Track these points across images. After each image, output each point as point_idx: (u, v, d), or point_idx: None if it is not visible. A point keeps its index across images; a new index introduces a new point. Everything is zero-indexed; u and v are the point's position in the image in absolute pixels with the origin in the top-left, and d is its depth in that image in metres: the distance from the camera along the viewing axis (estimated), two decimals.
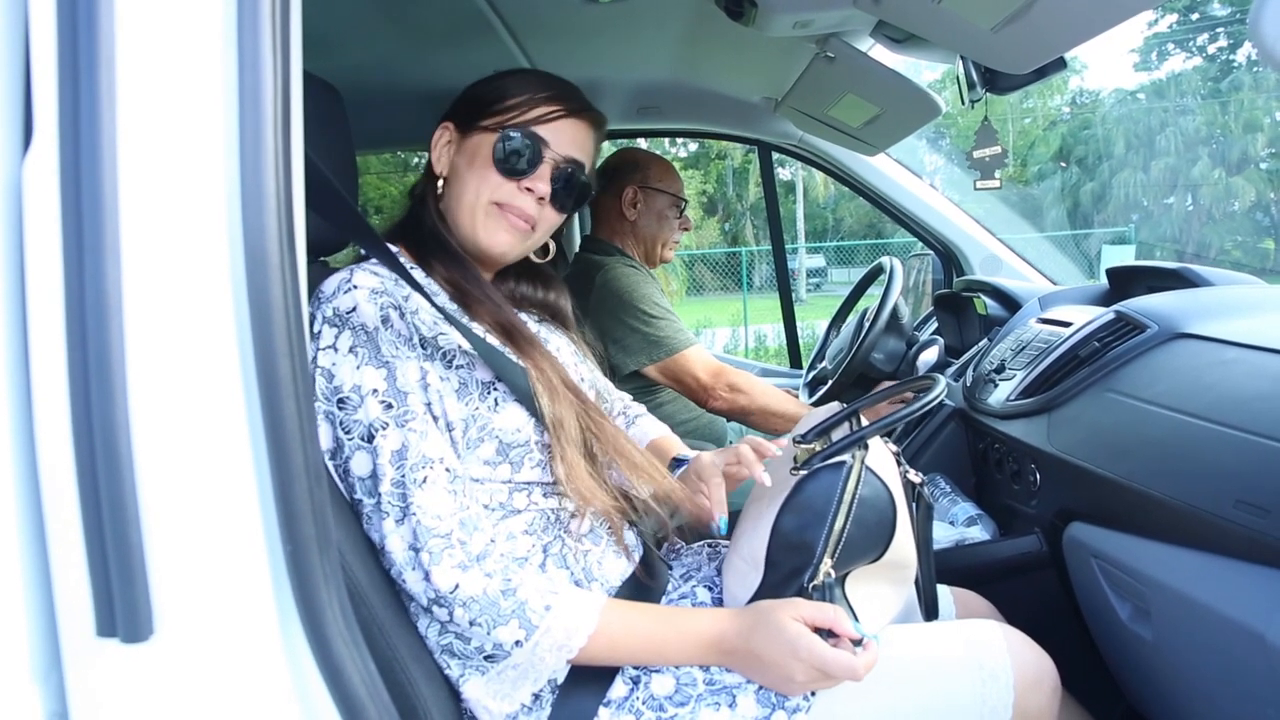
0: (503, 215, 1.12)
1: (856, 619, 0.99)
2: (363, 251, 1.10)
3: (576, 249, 2.48)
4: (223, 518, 0.68)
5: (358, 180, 1.21)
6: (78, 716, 0.69)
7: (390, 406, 0.95)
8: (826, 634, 0.94)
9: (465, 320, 1.07)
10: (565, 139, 1.14)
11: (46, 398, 0.65)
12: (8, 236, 0.65)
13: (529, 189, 1.12)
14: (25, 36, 0.65)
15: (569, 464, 1.05)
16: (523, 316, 1.20)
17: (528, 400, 1.04)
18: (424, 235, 1.13)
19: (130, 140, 0.64)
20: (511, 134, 1.11)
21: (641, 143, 3.95)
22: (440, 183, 1.16)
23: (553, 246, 1.24)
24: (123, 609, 0.65)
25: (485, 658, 0.94)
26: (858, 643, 0.94)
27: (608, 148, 3.07)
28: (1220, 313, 1.35)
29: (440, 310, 1.01)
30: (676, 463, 1.29)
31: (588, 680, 0.98)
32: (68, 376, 0.63)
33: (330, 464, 0.96)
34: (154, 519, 0.66)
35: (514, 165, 1.11)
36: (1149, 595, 1.14)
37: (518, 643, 0.92)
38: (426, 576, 0.91)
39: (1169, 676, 1.18)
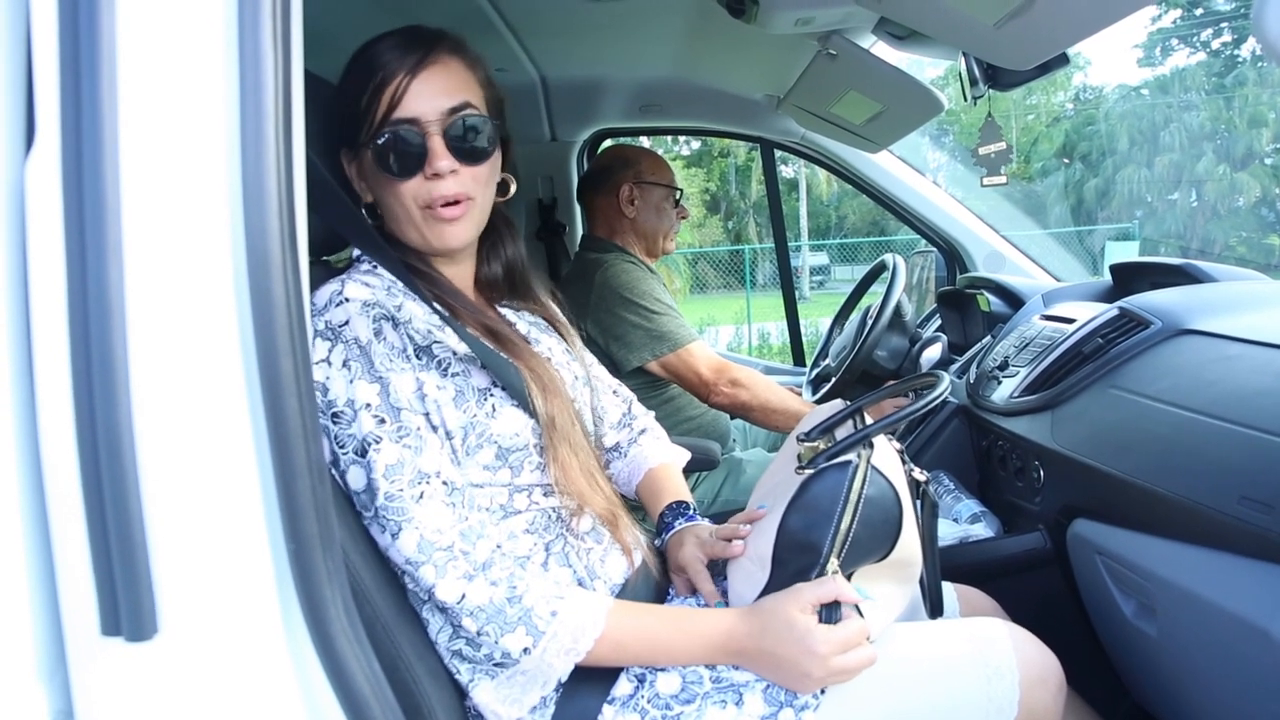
0: (435, 214, 1.04)
1: (862, 617, 0.99)
2: (357, 253, 1.09)
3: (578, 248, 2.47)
4: (226, 516, 0.68)
5: None
6: (83, 715, 0.69)
7: (383, 421, 0.94)
8: (831, 614, 0.95)
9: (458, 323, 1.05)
10: (428, 97, 1.02)
11: (50, 398, 0.65)
12: (10, 237, 0.65)
13: (435, 174, 1.02)
14: (27, 37, 0.65)
15: (562, 464, 1.04)
16: (509, 319, 1.18)
17: (524, 403, 1.04)
18: (389, 262, 1.05)
19: (132, 140, 0.64)
20: (378, 140, 1.01)
21: (644, 141, 3.95)
22: (374, 209, 1.09)
23: (512, 184, 1.15)
24: (127, 608, 0.65)
25: (494, 665, 0.94)
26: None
27: (609, 146, 3.07)
28: (1224, 309, 1.35)
29: (437, 313, 1.00)
30: (671, 510, 1.24)
31: (592, 679, 0.98)
32: (71, 376, 0.63)
33: (333, 473, 0.96)
34: (157, 518, 0.66)
35: (405, 165, 1.02)
36: (1153, 592, 1.14)
37: (525, 650, 0.92)
38: (432, 590, 0.91)
39: (1174, 673, 1.18)
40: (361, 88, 1.03)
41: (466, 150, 1.04)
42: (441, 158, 1.02)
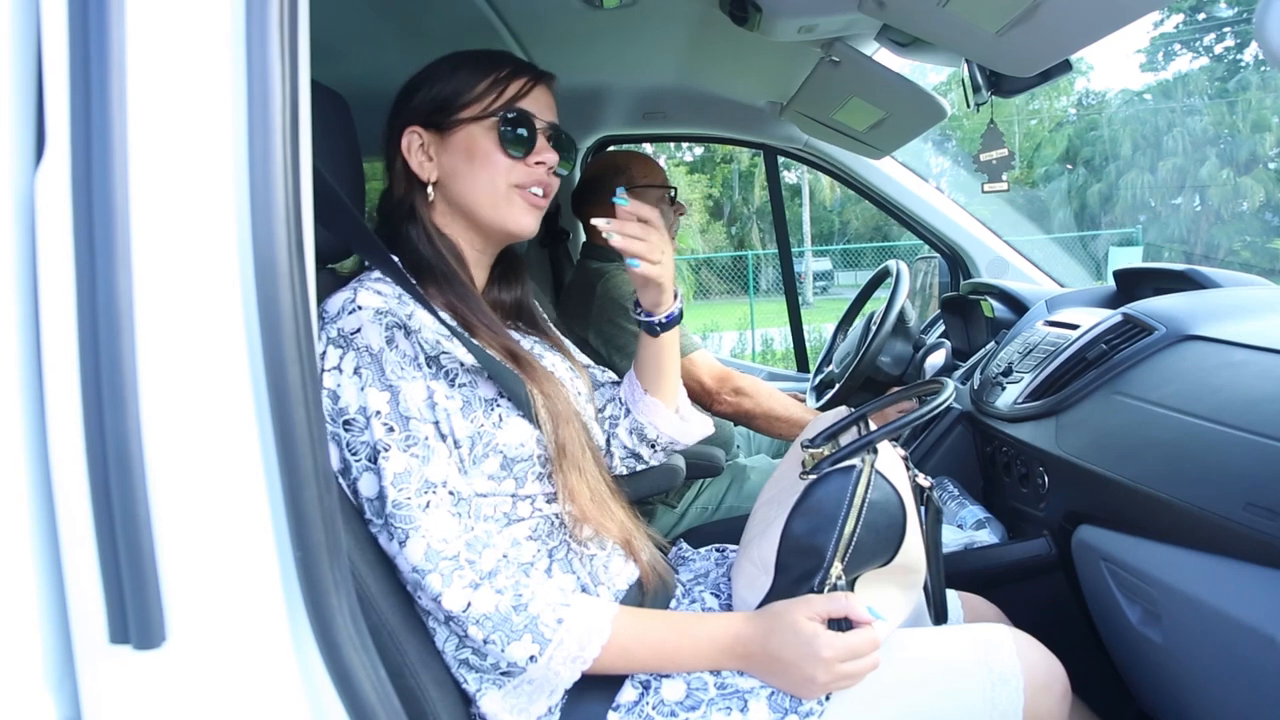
0: (522, 196, 1.12)
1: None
2: (366, 262, 1.10)
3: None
4: (233, 524, 0.68)
5: (365, 188, 1.21)
6: None
7: (392, 430, 0.95)
8: (841, 625, 0.95)
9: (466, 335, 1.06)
10: (543, 106, 1.15)
11: (59, 406, 0.66)
12: (21, 247, 0.66)
13: (539, 162, 1.12)
14: (37, 48, 0.66)
15: (571, 491, 1.05)
16: (515, 336, 1.19)
17: (529, 412, 1.04)
18: (419, 259, 1.10)
19: (141, 151, 0.64)
20: (509, 114, 1.10)
21: (648, 148, 3.96)
22: (429, 190, 1.13)
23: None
24: (135, 616, 0.65)
25: (501, 674, 0.94)
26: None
27: (597, 156, 3.07)
28: (1228, 314, 1.35)
29: (446, 324, 1.01)
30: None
31: (597, 685, 0.98)
32: (80, 385, 0.64)
33: (341, 483, 0.97)
34: (165, 526, 0.66)
35: (519, 145, 1.11)
36: (1159, 598, 1.14)
37: (532, 658, 0.92)
38: (438, 599, 0.91)
39: (1179, 679, 1.18)
40: (485, 73, 1.12)
41: (561, 159, 1.16)
42: (548, 151, 1.14)
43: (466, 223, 1.14)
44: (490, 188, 1.11)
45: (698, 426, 1.33)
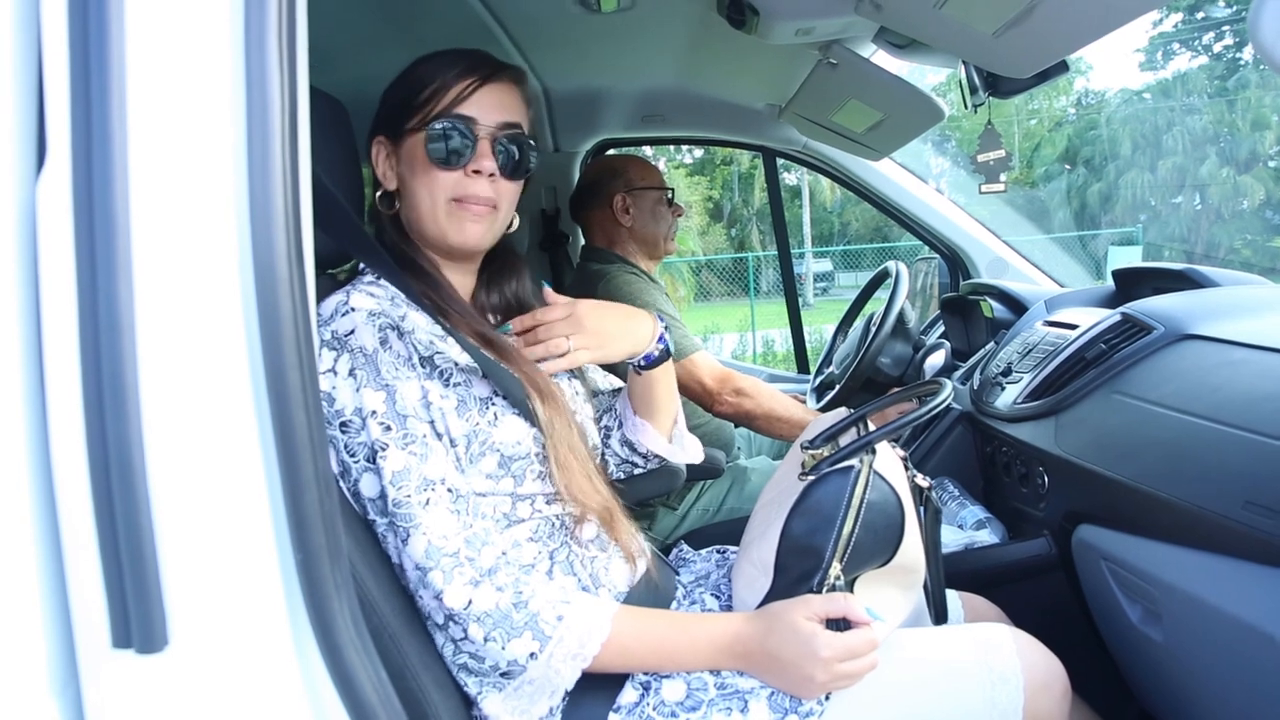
0: (463, 208, 1.08)
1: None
2: (361, 265, 1.10)
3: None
4: (235, 528, 0.68)
5: (364, 192, 1.22)
6: None
7: (389, 429, 0.95)
8: (839, 626, 0.95)
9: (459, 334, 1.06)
10: (491, 107, 1.09)
11: (61, 414, 0.66)
12: (23, 256, 0.66)
13: (476, 171, 1.07)
14: (38, 58, 0.66)
15: (563, 465, 1.05)
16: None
17: (525, 411, 1.05)
18: (395, 257, 1.09)
19: (141, 158, 0.65)
20: (435, 126, 1.06)
21: (647, 150, 3.96)
22: (393, 197, 1.13)
23: (516, 220, 1.19)
24: (138, 620, 0.66)
25: (501, 675, 0.95)
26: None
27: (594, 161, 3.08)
28: (1227, 313, 1.35)
29: (441, 324, 1.01)
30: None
31: (597, 687, 0.98)
32: (82, 392, 0.64)
33: (340, 486, 0.97)
34: (167, 530, 0.66)
35: (451, 155, 1.07)
36: (1159, 597, 1.14)
37: (532, 655, 0.92)
38: (439, 596, 0.92)
39: (1180, 678, 1.18)
40: (427, 81, 1.09)
41: (507, 164, 1.10)
42: (486, 159, 1.08)
43: (422, 234, 1.13)
44: (429, 202, 1.09)
45: (691, 453, 1.33)
